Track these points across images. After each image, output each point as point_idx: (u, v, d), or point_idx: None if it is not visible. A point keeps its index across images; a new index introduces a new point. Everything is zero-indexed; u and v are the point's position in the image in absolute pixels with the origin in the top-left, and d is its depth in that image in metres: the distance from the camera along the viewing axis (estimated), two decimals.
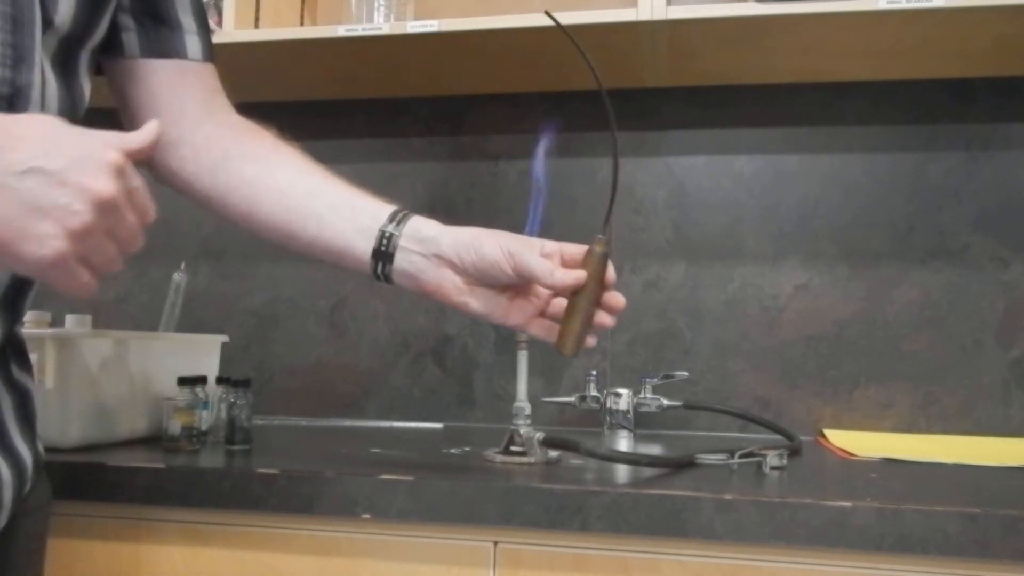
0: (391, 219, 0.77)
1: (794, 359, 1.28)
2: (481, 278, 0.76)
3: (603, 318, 0.76)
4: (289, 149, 0.83)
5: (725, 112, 1.33)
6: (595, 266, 0.75)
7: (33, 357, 0.89)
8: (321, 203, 0.78)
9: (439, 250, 0.76)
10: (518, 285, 0.77)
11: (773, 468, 0.85)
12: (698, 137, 1.33)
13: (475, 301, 0.76)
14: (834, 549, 0.70)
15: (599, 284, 0.75)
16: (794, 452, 1.00)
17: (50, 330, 0.93)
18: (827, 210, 1.29)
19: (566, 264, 0.76)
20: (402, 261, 0.76)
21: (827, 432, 1.22)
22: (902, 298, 1.26)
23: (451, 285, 0.76)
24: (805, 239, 1.29)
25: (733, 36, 1.12)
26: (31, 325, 1.04)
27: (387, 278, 0.77)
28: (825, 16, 1.05)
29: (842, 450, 1.06)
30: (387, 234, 0.76)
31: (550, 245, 0.77)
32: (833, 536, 0.69)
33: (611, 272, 0.76)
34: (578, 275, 0.74)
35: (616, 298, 0.77)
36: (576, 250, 0.77)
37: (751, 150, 1.32)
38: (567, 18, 1.10)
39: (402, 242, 0.76)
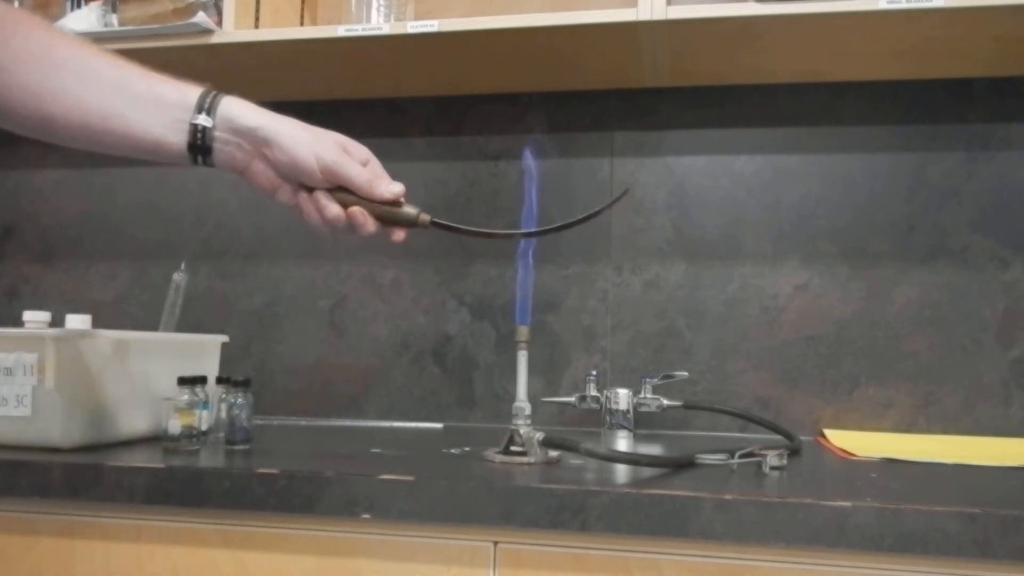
0: (200, 107, 0.75)
1: (794, 359, 1.28)
2: (295, 178, 0.78)
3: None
4: (63, 34, 0.76)
5: (725, 112, 1.33)
6: (403, 215, 0.82)
7: (33, 357, 0.90)
8: (121, 100, 0.74)
9: (254, 143, 0.77)
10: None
11: (773, 468, 0.85)
12: (698, 137, 1.33)
13: (286, 194, 0.80)
14: (834, 549, 0.70)
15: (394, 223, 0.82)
16: (794, 452, 1.00)
17: (50, 330, 0.93)
18: (827, 210, 1.29)
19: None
20: (220, 152, 0.76)
21: (827, 432, 1.22)
22: (902, 298, 1.26)
23: (264, 178, 0.78)
24: (805, 239, 1.29)
25: (733, 36, 1.12)
26: (31, 325, 1.05)
27: (208, 165, 0.78)
28: (825, 16, 1.05)
29: (842, 450, 1.06)
30: (200, 127, 0.75)
31: (374, 163, 0.82)
32: (833, 536, 0.69)
33: (398, 235, 0.82)
34: (397, 189, 0.80)
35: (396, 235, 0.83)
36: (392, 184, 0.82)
37: (751, 150, 1.32)
38: (567, 18, 1.11)
39: (217, 133, 0.75)
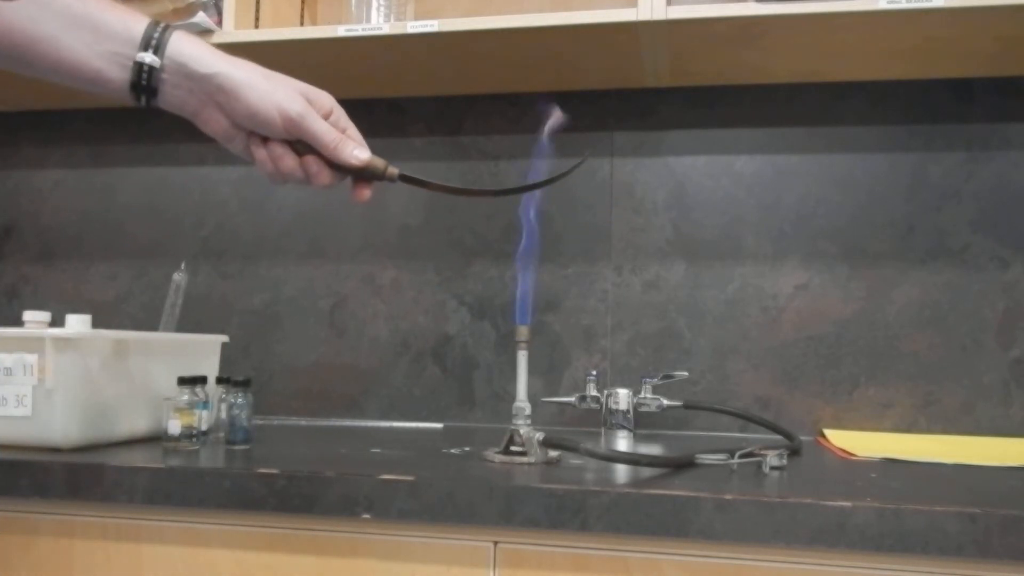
0: (146, 43, 0.67)
1: (794, 359, 1.28)
2: (253, 129, 0.73)
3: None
4: None
5: (725, 112, 1.33)
6: (372, 169, 0.78)
7: (33, 357, 0.90)
8: (51, 21, 0.66)
9: (210, 91, 0.70)
10: None
11: (773, 468, 0.85)
12: (698, 137, 1.33)
13: (239, 144, 0.74)
14: (834, 549, 0.70)
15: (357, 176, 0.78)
16: (794, 452, 1.00)
17: (50, 330, 0.92)
18: (827, 210, 1.29)
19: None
20: (168, 95, 0.69)
21: (827, 432, 1.22)
22: (902, 298, 1.26)
23: (217, 126, 0.72)
24: (805, 239, 1.29)
25: (733, 36, 1.12)
26: (31, 325, 1.04)
27: (153, 107, 0.71)
28: (825, 16, 1.05)
29: (842, 450, 1.05)
30: (145, 66, 0.67)
31: (339, 113, 0.77)
32: (833, 536, 0.69)
33: (363, 192, 0.78)
34: (364, 156, 0.76)
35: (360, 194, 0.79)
36: (356, 136, 0.78)
37: (751, 150, 1.32)
38: (567, 18, 1.11)
39: (165, 75, 0.68)
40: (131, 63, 0.67)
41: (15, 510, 0.87)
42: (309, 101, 0.74)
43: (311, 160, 0.75)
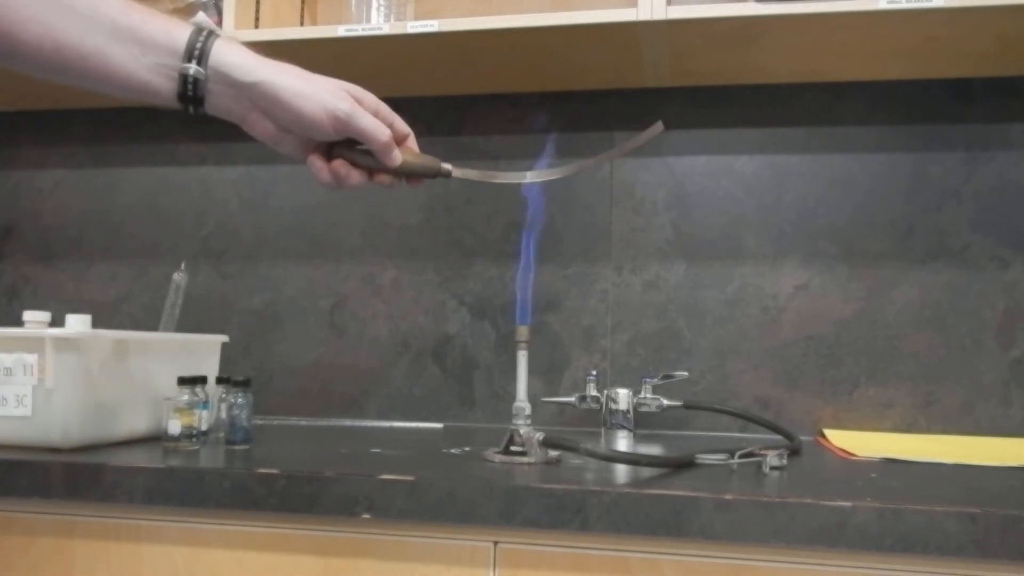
0: (190, 54, 0.68)
1: (794, 359, 1.28)
2: (301, 133, 0.75)
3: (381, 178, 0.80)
4: None
5: (725, 112, 1.33)
6: (424, 164, 0.82)
7: (33, 357, 0.90)
8: (98, 35, 0.66)
9: (253, 98, 0.71)
10: None
11: (773, 468, 0.85)
12: (698, 137, 1.33)
13: (290, 145, 0.76)
14: (834, 549, 0.70)
15: (407, 176, 0.82)
16: (794, 452, 1.00)
17: (50, 330, 0.92)
18: (827, 210, 1.29)
19: (396, 136, 0.79)
20: (215, 103, 0.71)
21: (827, 432, 1.22)
22: (902, 298, 1.26)
23: (263, 129, 0.74)
24: (805, 239, 1.29)
25: (733, 36, 1.12)
26: (31, 325, 1.04)
27: (200, 114, 0.73)
28: (825, 16, 1.05)
29: (842, 450, 1.06)
30: (190, 77, 0.69)
31: (385, 110, 0.78)
32: (833, 536, 0.69)
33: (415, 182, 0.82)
34: (403, 160, 0.79)
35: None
36: (404, 128, 0.81)
37: (751, 150, 1.32)
38: (568, 18, 1.11)
39: (211, 85, 0.70)
40: (176, 74, 0.68)
41: (15, 510, 0.87)
42: (356, 99, 0.76)
43: (363, 165, 0.79)
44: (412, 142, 0.84)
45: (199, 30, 0.69)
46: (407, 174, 0.82)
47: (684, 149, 1.34)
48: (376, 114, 0.77)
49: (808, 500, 0.70)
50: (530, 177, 0.88)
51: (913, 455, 0.99)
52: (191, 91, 0.69)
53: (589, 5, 1.33)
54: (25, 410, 0.91)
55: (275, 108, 0.72)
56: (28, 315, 1.05)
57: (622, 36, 1.13)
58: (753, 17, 1.06)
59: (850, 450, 1.04)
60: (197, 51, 0.68)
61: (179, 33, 0.69)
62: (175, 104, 0.71)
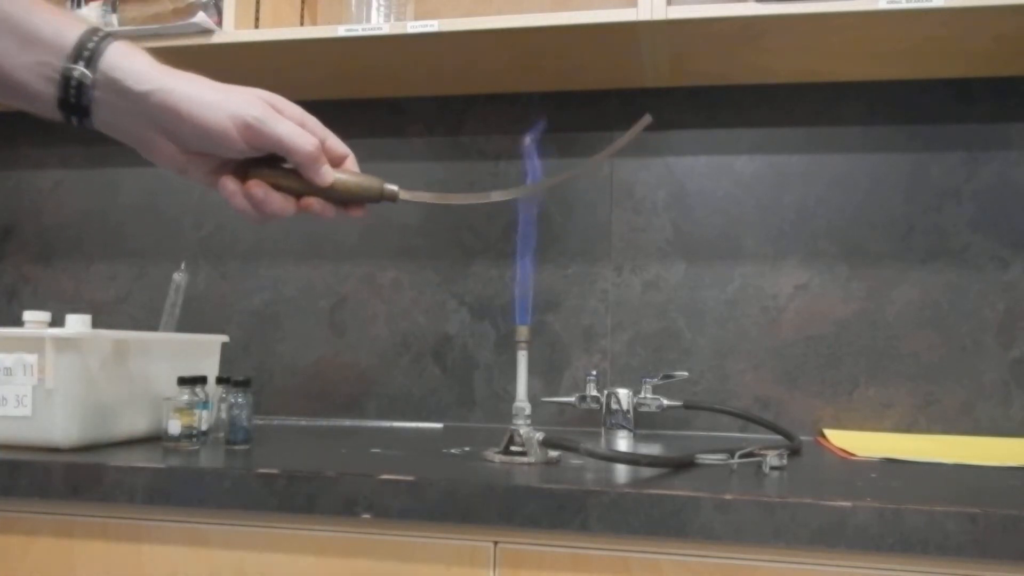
0: (78, 54, 0.57)
1: (794, 359, 1.28)
2: (210, 151, 0.62)
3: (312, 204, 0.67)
4: None
5: (725, 112, 1.33)
6: (363, 185, 0.68)
7: (33, 357, 0.90)
8: None
9: (149, 113, 0.59)
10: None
11: (773, 468, 0.85)
12: (698, 137, 1.33)
13: (199, 172, 0.64)
14: (834, 549, 0.70)
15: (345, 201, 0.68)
16: (794, 452, 1.00)
17: (50, 330, 0.92)
18: (827, 210, 1.29)
19: (330, 156, 0.67)
20: (103, 116, 0.59)
21: (827, 432, 1.22)
22: (902, 298, 1.26)
23: (168, 157, 0.62)
24: (805, 239, 1.29)
25: (733, 36, 1.12)
26: (31, 325, 1.05)
27: (87, 128, 0.60)
28: (825, 16, 1.05)
29: (842, 450, 1.06)
30: (73, 80, 0.57)
31: (313, 123, 0.66)
32: (833, 536, 0.69)
33: (358, 212, 0.69)
34: (336, 178, 0.66)
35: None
36: (340, 147, 0.69)
37: (751, 150, 1.32)
38: (567, 18, 1.11)
39: (98, 93, 0.58)
40: (59, 76, 0.57)
41: (15, 510, 0.87)
42: (276, 109, 0.65)
43: (313, 201, 0.67)
44: (352, 164, 0.72)
45: (94, 30, 0.58)
46: (343, 198, 0.69)
47: (684, 149, 1.34)
48: (302, 126, 0.66)
49: (808, 500, 0.70)
50: (494, 196, 0.79)
51: (913, 455, 0.99)
52: (74, 98, 0.58)
53: (589, 5, 1.33)
54: (25, 410, 0.91)
55: (174, 122, 0.60)
56: (28, 315, 1.05)
57: (622, 36, 1.13)
58: (753, 17, 1.06)
59: (850, 450, 1.04)
60: (87, 52, 0.57)
61: (70, 30, 0.58)
62: (56, 113, 0.59)
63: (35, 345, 0.91)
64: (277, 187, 0.67)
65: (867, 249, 1.28)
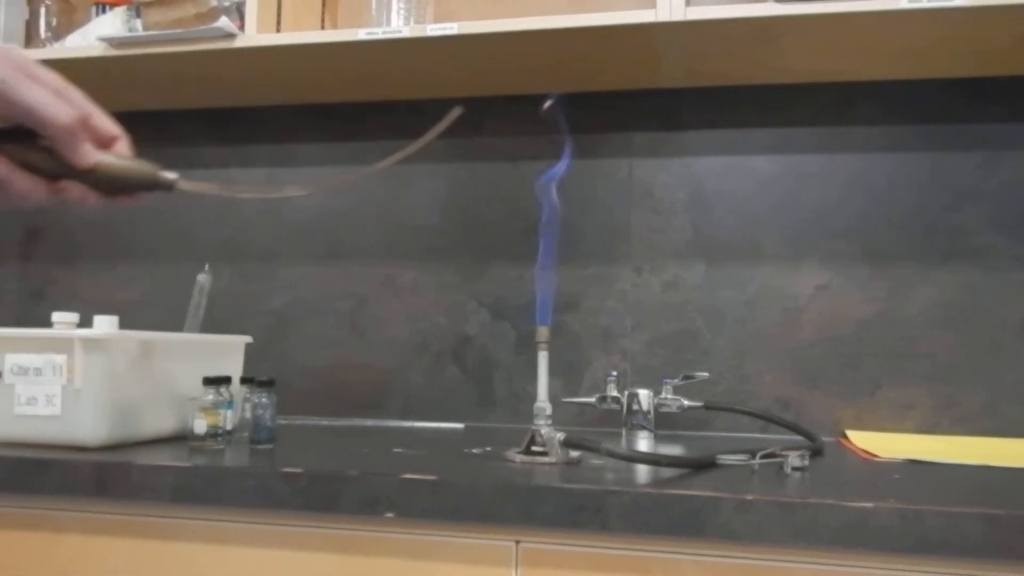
0: None
1: (815, 360, 1.27)
2: None
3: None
4: None
5: (743, 112, 1.33)
6: (132, 170, 0.59)
7: (62, 357, 0.91)
8: None
9: None
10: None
11: (794, 469, 0.85)
12: (717, 138, 1.33)
13: None
14: (855, 550, 0.70)
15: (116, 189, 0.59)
16: (816, 453, 1.00)
17: (78, 331, 0.94)
18: (847, 210, 1.29)
19: (96, 136, 0.58)
20: None
21: (849, 433, 1.21)
22: (922, 298, 1.25)
23: None
24: (825, 239, 1.29)
25: (752, 36, 1.12)
26: (60, 326, 1.06)
27: None
28: (845, 16, 1.05)
29: (865, 451, 1.05)
30: None
31: (77, 97, 0.56)
32: (854, 537, 0.69)
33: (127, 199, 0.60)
34: (100, 160, 0.56)
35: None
36: (108, 126, 0.59)
37: (770, 150, 1.32)
38: (586, 20, 1.11)
39: None
40: None
41: (44, 507, 0.89)
42: (27, 73, 0.54)
43: (39, 168, 0.56)
44: (124, 148, 0.62)
45: None
46: (110, 184, 0.60)
47: (702, 150, 1.34)
48: (60, 96, 0.56)
49: (829, 501, 0.70)
50: (287, 191, 0.71)
51: (936, 456, 0.99)
52: None
53: (606, 6, 1.34)
54: (54, 409, 0.92)
55: None
56: (57, 316, 1.07)
57: (640, 37, 1.13)
58: (772, 17, 1.06)
59: (872, 451, 1.04)
60: None
61: None
62: None
63: (64, 346, 0.92)
64: (27, 166, 0.56)
65: (887, 249, 1.27)
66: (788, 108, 1.31)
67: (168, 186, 0.62)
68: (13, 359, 0.94)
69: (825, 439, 1.13)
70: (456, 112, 0.76)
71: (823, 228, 1.29)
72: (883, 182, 1.28)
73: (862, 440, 1.14)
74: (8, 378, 0.94)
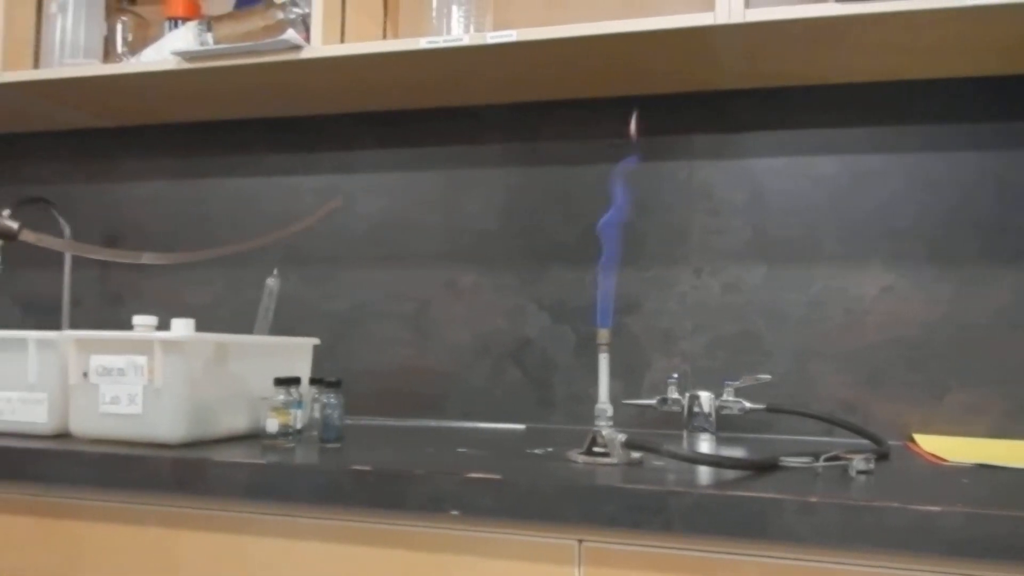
0: None
1: (880, 362, 1.26)
2: None
3: None
4: None
5: (803, 112, 1.31)
6: None
7: (143, 359, 0.96)
8: None
9: None
10: None
11: (859, 472, 0.85)
12: (776, 138, 1.32)
13: None
14: (921, 554, 0.69)
15: None
16: (882, 456, 0.99)
17: (158, 333, 0.98)
18: (912, 210, 1.27)
19: None
20: None
21: (917, 437, 1.19)
22: (991, 300, 1.23)
23: None
24: (889, 240, 1.27)
25: (812, 36, 1.11)
26: (140, 329, 1.11)
27: None
28: (906, 14, 1.03)
29: (933, 455, 1.03)
30: None
31: None
32: (920, 541, 0.68)
33: None
34: None
35: None
36: None
37: (831, 150, 1.30)
38: (645, 24, 1.11)
39: None
40: None
41: (126, 501, 0.93)
42: None
43: None
44: None
45: None
46: None
47: (762, 151, 1.33)
48: None
49: (895, 504, 0.69)
50: (145, 259, 0.75)
51: (1006, 461, 0.97)
52: None
53: (662, 8, 1.34)
54: (136, 408, 0.97)
55: None
56: (137, 319, 1.12)
57: (699, 40, 1.13)
58: (833, 17, 1.05)
59: (941, 455, 1.02)
60: None
61: None
62: None
63: (144, 347, 0.97)
64: None
65: (953, 250, 1.25)
66: (847, 107, 1.30)
67: (9, 235, 0.61)
68: (98, 360, 0.99)
69: (891, 443, 1.12)
70: (335, 202, 0.74)
71: (886, 228, 1.27)
72: (951, 181, 1.26)
73: (930, 444, 1.12)
74: (93, 378, 0.99)
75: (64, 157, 1.68)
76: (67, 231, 1.59)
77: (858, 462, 0.85)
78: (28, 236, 0.68)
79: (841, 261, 1.28)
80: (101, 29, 1.49)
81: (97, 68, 1.36)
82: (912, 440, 1.19)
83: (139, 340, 0.98)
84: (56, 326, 1.59)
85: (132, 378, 0.97)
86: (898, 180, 1.27)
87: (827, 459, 0.86)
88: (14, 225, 0.67)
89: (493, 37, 1.17)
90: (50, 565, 0.96)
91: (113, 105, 1.51)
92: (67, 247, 0.72)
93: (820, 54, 1.18)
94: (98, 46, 1.48)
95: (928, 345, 1.24)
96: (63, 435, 1.04)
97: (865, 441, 1.11)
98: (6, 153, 1.72)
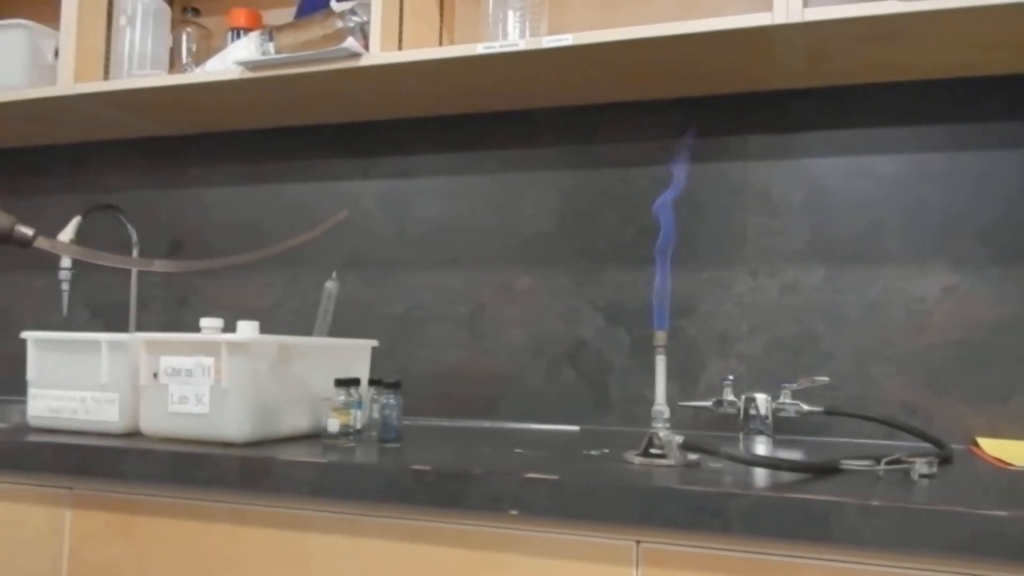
0: None
1: (943, 364, 1.23)
2: None
3: None
4: None
5: (863, 111, 1.30)
6: None
7: (210, 360, 0.99)
8: None
9: None
10: None
11: (922, 476, 0.83)
12: (835, 138, 1.31)
13: None
14: (986, 559, 0.68)
15: None
16: (944, 460, 0.97)
17: (225, 335, 1.01)
18: (974, 209, 1.24)
19: None
20: None
21: (980, 441, 1.17)
22: None
23: None
24: (953, 240, 1.24)
25: (872, 35, 1.10)
26: (207, 331, 1.15)
27: None
28: (966, 10, 1.01)
29: (997, 459, 1.01)
30: None
31: None
32: (986, 546, 0.67)
33: None
34: None
35: None
36: None
37: (892, 149, 1.28)
38: (701, 26, 1.11)
39: None
40: None
41: (194, 498, 0.97)
42: None
43: None
44: None
45: None
46: None
47: (821, 150, 1.31)
48: None
49: (960, 508, 0.68)
50: (156, 266, 0.78)
51: None
52: None
53: (718, 9, 1.33)
54: (203, 408, 1.00)
55: None
56: (204, 322, 1.15)
57: (756, 40, 1.13)
58: (892, 15, 1.03)
59: (1006, 459, 1.00)
60: None
61: None
62: None
63: (212, 349, 1.00)
64: None
65: (1019, 250, 1.21)
66: (906, 106, 1.28)
67: (24, 242, 0.65)
68: (167, 361, 1.03)
69: (954, 447, 1.10)
70: (342, 214, 0.87)
71: (948, 228, 1.25)
72: (1011, 180, 1.23)
73: (994, 448, 1.10)
74: (163, 378, 1.03)
75: (132, 165, 1.74)
76: (134, 236, 1.64)
77: (920, 466, 0.84)
78: (43, 243, 0.75)
79: (902, 261, 1.26)
80: (167, 40, 1.55)
81: (164, 79, 1.41)
82: (976, 444, 1.17)
83: (207, 342, 1.01)
84: (122, 328, 1.65)
85: (199, 379, 1.00)
86: (961, 179, 1.25)
87: (888, 462, 0.85)
88: (29, 232, 0.73)
89: (549, 41, 1.18)
90: (124, 558, 1.00)
91: (178, 114, 1.56)
92: (79, 254, 0.77)
93: (879, 52, 1.16)
94: (164, 57, 1.54)
95: (992, 347, 1.21)
96: (134, 434, 1.08)
97: (927, 445, 1.09)
98: (78, 161, 1.79)
